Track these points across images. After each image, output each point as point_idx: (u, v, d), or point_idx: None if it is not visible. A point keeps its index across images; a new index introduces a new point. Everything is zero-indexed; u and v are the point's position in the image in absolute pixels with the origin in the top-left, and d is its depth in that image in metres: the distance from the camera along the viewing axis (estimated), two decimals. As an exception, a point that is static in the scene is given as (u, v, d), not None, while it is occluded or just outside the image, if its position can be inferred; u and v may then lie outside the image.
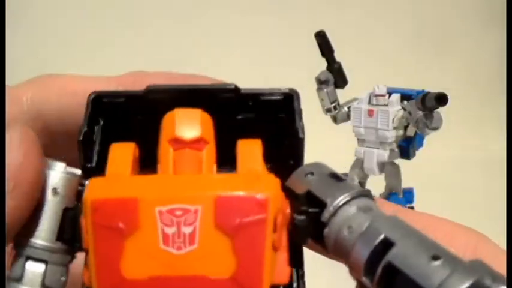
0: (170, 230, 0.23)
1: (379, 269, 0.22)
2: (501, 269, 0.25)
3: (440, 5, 1.60)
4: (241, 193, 0.23)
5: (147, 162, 0.26)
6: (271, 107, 0.28)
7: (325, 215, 0.24)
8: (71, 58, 1.45)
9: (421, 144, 0.91)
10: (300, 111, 0.27)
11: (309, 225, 0.25)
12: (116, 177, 0.25)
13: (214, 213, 0.23)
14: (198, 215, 0.23)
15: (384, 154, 0.89)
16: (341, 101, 0.91)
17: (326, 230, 0.24)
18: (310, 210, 0.25)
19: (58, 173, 0.27)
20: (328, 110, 0.90)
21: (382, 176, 0.92)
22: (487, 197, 1.11)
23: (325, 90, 0.89)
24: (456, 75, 1.54)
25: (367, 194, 0.25)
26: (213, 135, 0.26)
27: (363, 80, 0.89)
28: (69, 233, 0.26)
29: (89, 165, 0.27)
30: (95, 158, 0.27)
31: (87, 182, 0.26)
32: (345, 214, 0.24)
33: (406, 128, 0.87)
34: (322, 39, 0.88)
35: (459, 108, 1.08)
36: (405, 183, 0.93)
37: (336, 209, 0.24)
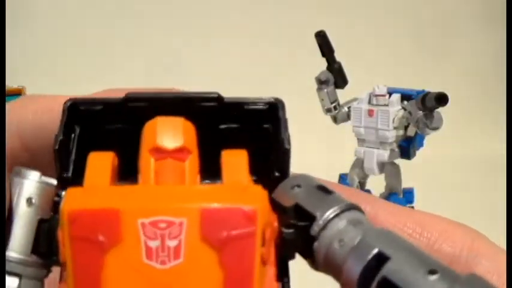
0: (153, 244, 0.22)
1: (374, 285, 0.21)
2: (500, 266, 0.25)
3: (441, 5, 1.60)
4: (228, 205, 0.22)
5: (126, 173, 0.25)
6: (256, 117, 0.27)
7: (315, 228, 0.23)
8: (71, 58, 1.45)
9: (421, 144, 0.91)
10: (286, 121, 0.26)
11: (297, 239, 0.24)
12: (95, 188, 0.24)
13: (200, 226, 0.22)
14: (183, 228, 0.22)
15: (384, 154, 0.89)
16: (341, 101, 0.91)
17: (316, 244, 0.23)
18: (299, 223, 0.24)
19: (33, 182, 0.25)
20: (328, 110, 0.90)
21: (382, 176, 0.92)
22: (487, 197, 1.11)
23: (325, 90, 0.89)
24: (456, 75, 1.54)
25: (357, 207, 0.24)
26: (196, 144, 0.25)
27: (363, 80, 0.90)
28: (45, 246, 0.25)
29: (65, 175, 0.26)
30: (71, 168, 0.26)
31: (63, 193, 0.24)
32: (335, 227, 0.23)
33: (406, 128, 0.87)
34: (322, 39, 0.88)
35: (459, 108, 1.08)
36: (405, 183, 0.93)
37: (326, 223, 0.23)
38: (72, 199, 0.23)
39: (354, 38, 1.38)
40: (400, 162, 0.91)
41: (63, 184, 0.25)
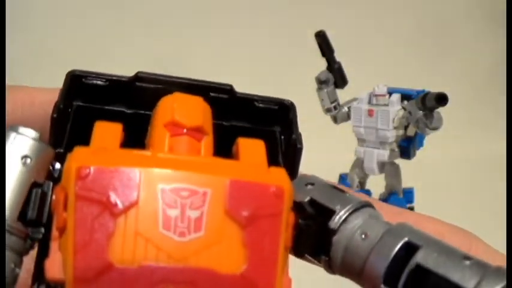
0: (173, 213, 0.20)
1: (405, 274, 0.21)
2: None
3: (441, 5, 1.60)
4: (256, 180, 0.21)
5: None
6: (265, 117, 0.26)
7: (335, 221, 0.23)
8: (71, 57, 1.45)
9: (421, 144, 0.91)
10: (296, 122, 0.26)
11: (314, 231, 0.23)
12: (106, 149, 0.21)
13: (226, 198, 0.20)
14: (207, 199, 0.20)
15: (384, 154, 0.89)
16: (341, 101, 0.91)
17: (335, 237, 0.23)
18: (318, 215, 0.23)
19: (30, 140, 0.22)
20: (328, 110, 0.90)
21: (382, 175, 0.92)
22: (487, 197, 1.11)
23: (325, 90, 0.89)
24: (456, 75, 1.54)
25: (372, 205, 0.24)
26: (212, 127, 0.24)
27: (363, 80, 0.89)
28: (34, 213, 0.22)
29: (58, 150, 0.24)
30: (64, 143, 0.24)
31: (57, 164, 0.23)
32: (356, 221, 0.23)
33: (406, 128, 0.87)
34: (322, 39, 0.88)
35: (459, 108, 1.08)
36: (405, 183, 0.93)
37: (347, 216, 0.23)
38: (80, 156, 0.20)
39: (354, 38, 1.38)
40: (400, 162, 0.91)
41: (56, 159, 0.23)
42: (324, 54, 0.88)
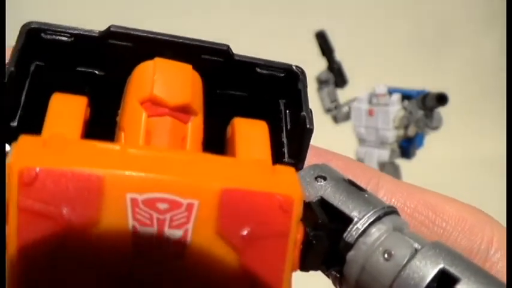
0: (146, 231, 0.14)
1: None
2: None
3: (441, 6, 1.60)
4: (258, 189, 0.15)
5: (96, 130, 0.18)
6: (269, 87, 0.21)
7: (352, 233, 0.18)
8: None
9: (421, 144, 0.91)
10: (306, 94, 0.20)
11: (325, 247, 0.18)
12: (62, 140, 0.15)
13: (218, 213, 0.15)
14: (193, 214, 0.15)
15: (385, 154, 0.89)
16: (341, 101, 0.91)
17: (351, 253, 0.18)
18: (331, 225, 0.18)
19: None
20: (328, 110, 0.91)
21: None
22: (487, 197, 1.11)
23: (325, 89, 0.89)
24: (456, 75, 1.54)
25: (396, 211, 0.19)
26: (203, 105, 0.18)
27: (363, 80, 0.90)
28: None
29: (10, 124, 0.18)
30: (18, 115, 0.18)
31: (8, 147, 0.17)
32: (378, 234, 0.18)
33: (406, 127, 0.88)
34: (322, 39, 0.88)
35: (459, 108, 1.08)
36: (405, 183, 0.93)
37: (366, 227, 0.18)
38: (26, 152, 0.14)
39: (354, 38, 1.39)
40: (400, 162, 0.91)
41: (7, 136, 0.18)
42: (324, 54, 0.89)
